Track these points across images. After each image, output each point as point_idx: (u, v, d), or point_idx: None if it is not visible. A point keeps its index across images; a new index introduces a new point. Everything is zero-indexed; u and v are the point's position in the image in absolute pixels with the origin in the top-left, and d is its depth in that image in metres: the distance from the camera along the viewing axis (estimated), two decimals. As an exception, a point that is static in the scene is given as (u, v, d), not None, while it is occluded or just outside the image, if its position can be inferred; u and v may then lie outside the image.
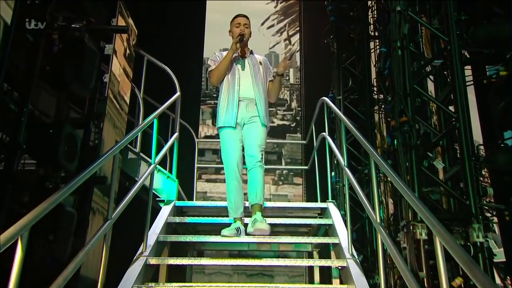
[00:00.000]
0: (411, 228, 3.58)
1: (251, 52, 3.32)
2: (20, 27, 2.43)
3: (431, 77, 4.91)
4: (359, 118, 6.19)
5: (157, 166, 4.10)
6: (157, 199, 3.97)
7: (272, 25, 9.18)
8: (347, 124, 3.29)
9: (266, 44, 9.18)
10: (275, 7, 8.92)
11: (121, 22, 3.79)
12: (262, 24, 9.15)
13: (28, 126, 2.33)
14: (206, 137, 9.11)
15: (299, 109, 8.99)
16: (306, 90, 8.42)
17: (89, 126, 3.34)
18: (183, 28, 7.31)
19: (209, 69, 3.23)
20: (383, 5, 4.63)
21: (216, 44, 8.64)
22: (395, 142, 3.96)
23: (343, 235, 3.19)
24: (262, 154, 3.15)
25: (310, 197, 6.62)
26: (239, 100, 3.16)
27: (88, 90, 2.86)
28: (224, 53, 3.24)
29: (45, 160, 2.44)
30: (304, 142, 6.05)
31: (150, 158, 3.49)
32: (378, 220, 2.38)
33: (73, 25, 2.51)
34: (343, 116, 3.50)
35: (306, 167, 5.88)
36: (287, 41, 9.06)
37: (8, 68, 2.32)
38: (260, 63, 3.30)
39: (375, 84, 5.82)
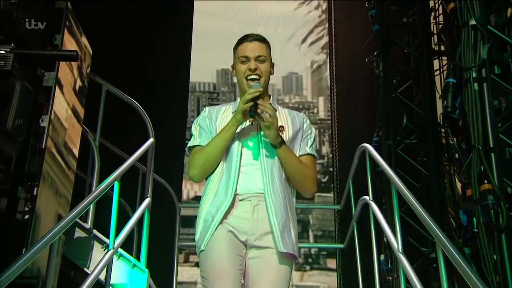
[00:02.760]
0: None
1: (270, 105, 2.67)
2: None
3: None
4: (420, 174, 6.12)
5: (119, 250, 4.07)
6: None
7: (317, 39, 9.09)
8: (398, 186, 3.27)
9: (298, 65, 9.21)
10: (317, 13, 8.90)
11: (69, 42, 3.85)
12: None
13: None
14: (194, 198, 9.05)
15: (332, 155, 8.94)
16: (340, 129, 8.40)
17: (16, 194, 3.31)
18: (161, 42, 7.47)
19: (189, 145, 2.75)
20: (449, 15, 4.68)
21: (210, 62, 8.77)
22: (474, 221, 3.87)
23: None
24: None
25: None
26: (236, 198, 2.59)
27: (17, 144, 2.87)
28: (222, 115, 2.77)
29: None
30: (337, 207, 6.01)
31: (108, 238, 3.47)
32: None
33: (-3, 51, 2.55)
34: (392, 174, 3.49)
35: (341, 246, 5.81)
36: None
37: None
38: (282, 128, 2.69)
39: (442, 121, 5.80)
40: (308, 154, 2.73)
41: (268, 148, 2.65)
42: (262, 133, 2.66)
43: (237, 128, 2.61)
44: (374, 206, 4.10)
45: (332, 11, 8.83)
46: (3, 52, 2.66)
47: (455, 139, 4.72)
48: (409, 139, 6.33)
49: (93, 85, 4.92)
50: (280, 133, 2.61)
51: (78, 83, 4.50)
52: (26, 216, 3.54)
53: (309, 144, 2.76)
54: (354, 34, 7.62)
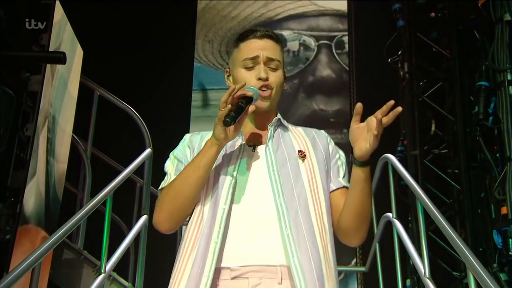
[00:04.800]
0: None
1: (279, 124, 2.17)
2: None
3: None
4: (451, 188, 6.08)
5: (111, 274, 4.07)
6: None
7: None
8: (424, 202, 3.25)
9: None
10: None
11: (55, 44, 3.88)
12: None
13: None
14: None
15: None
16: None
17: (-3, 211, 3.34)
18: (162, 43, 7.51)
19: (162, 187, 2.09)
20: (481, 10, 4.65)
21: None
22: (510, 243, 3.84)
23: None
24: None
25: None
26: (220, 275, 1.90)
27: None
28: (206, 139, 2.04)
29: None
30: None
31: (99, 260, 3.47)
32: None
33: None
34: (418, 188, 3.46)
35: (363, 269, 5.78)
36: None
37: None
38: (301, 153, 2.09)
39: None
40: (345, 187, 2.09)
41: (291, 185, 1.97)
42: (273, 158, 2.02)
43: (219, 149, 1.94)
44: (398, 224, 4.08)
45: (352, 10, 8.85)
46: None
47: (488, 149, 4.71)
48: (439, 148, 6.27)
49: (85, 89, 4.96)
50: (301, 161, 2.04)
51: (67, 87, 4.55)
52: (8, 236, 3.56)
53: (342, 174, 2.13)
54: (376, 31, 7.58)
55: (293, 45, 8.53)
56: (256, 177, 1.99)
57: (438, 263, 5.70)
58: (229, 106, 1.87)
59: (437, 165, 6.16)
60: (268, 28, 2.16)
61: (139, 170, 4.38)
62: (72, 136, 4.72)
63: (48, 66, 4.00)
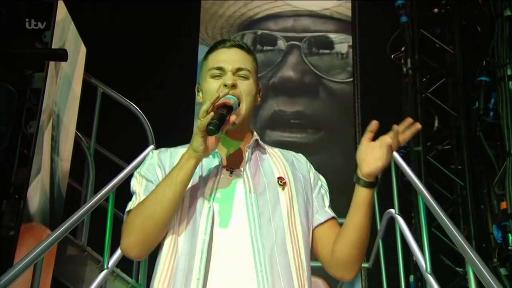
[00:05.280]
0: None
1: (256, 145, 1.98)
2: None
3: None
4: (455, 184, 6.08)
5: (115, 270, 4.09)
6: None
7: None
8: (426, 197, 3.28)
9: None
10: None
11: (59, 42, 3.90)
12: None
13: None
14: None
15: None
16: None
17: (1, 208, 3.36)
18: (165, 41, 7.52)
19: (129, 209, 1.83)
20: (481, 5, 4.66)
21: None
22: (510, 238, 3.86)
23: None
24: None
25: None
26: None
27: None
28: (177, 159, 1.82)
29: None
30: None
31: (103, 256, 3.49)
32: None
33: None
34: (419, 184, 3.50)
35: (366, 265, 5.79)
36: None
37: None
38: (281, 181, 1.89)
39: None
40: (333, 218, 1.92)
41: (269, 215, 1.80)
42: (251, 184, 1.83)
43: (197, 163, 1.75)
44: (400, 220, 4.11)
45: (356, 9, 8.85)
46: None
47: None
48: (442, 145, 6.26)
49: (88, 87, 4.98)
50: (281, 189, 1.86)
51: (71, 85, 4.57)
52: (12, 232, 3.59)
53: (327, 203, 1.96)
54: (378, 28, 7.57)
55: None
56: (233, 204, 1.80)
57: (442, 259, 5.70)
58: (211, 114, 1.68)
59: (441, 161, 6.15)
60: (238, 39, 2.06)
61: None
62: (76, 133, 4.73)
63: (52, 64, 4.03)
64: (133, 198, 1.84)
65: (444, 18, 6.68)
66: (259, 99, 1.97)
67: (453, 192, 6.16)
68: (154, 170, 1.87)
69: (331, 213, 1.92)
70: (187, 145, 1.81)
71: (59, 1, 4.03)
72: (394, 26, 6.81)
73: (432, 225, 5.12)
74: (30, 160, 3.76)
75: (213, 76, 1.89)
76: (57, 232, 2.66)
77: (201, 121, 1.68)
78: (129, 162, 4.12)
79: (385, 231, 4.68)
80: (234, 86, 1.85)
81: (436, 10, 6.68)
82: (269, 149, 2.00)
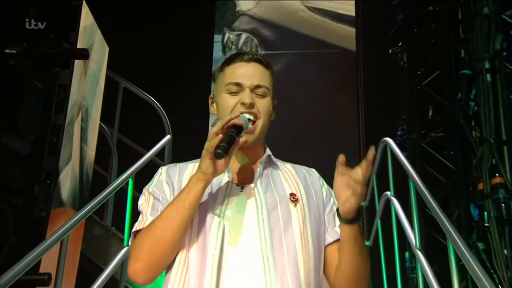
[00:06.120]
0: None
1: (269, 161, 1.83)
2: None
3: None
4: (447, 169, 6.10)
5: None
6: (136, 299, 4.03)
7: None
8: (414, 180, 3.32)
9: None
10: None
11: (78, 41, 3.97)
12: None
13: None
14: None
15: (359, 149, 8.93)
16: (367, 124, 8.40)
17: (33, 192, 3.43)
18: (182, 37, 7.57)
19: (136, 229, 1.69)
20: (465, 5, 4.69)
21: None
22: (485, 216, 3.91)
23: None
24: None
25: (377, 288, 6.51)
26: None
27: (28, 142, 3.00)
28: (186, 176, 1.74)
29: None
30: (363, 203, 6.01)
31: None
32: None
33: (7, 51, 2.66)
34: (410, 168, 3.54)
35: (367, 243, 5.84)
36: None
37: None
38: (293, 197, 1.73)
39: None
40: (335, 242, 1.74)
41: (279, 234, 1.63)
42: (262, 200, 1.67)
43: (205, 185, 1.60)
44: (395, 202, 4.13)
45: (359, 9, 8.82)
46: (14, 51, 2.78)
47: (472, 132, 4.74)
48: (436, 132, 6.27)
49: (111, 82, 5.07)
50: (293, 206, 1.69)
51: (98, 82, 4.66)
52: (43, 213, 3.68)
53: (338, 222, 1.71)
54: (384, 27, 7.56)
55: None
56: (243, 221, 1.63)
57: (434, 236, 5.73)
58: (220, 135, 1.55)
59: (434, 148, 6.17)
60: (257, 52, 1.86)
61: (160, 154, 4.50)
62: (100, 124, 4.82)
63: (81, 64, 4.13)
64: (140, 217, 1.70)
65: (438, 15, 6.68)
66: (274, 115, 1.81)
67: (446, 176, 6.18)
68: (162, 187, 1.72)
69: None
70: (197, 160, 1.67)
71: (83, 9, 4.11)
72: (393, 22, 6.85)
73: (427, 206, 5.14)
74: (58, 148, 3.84)
75: (230, 92, 1.72)
76: (80, 214, 2.73)
77: (209, 142, 1.56)
78: (148, 150, 4.19)
79: (383, 212, 4.71)
80: (252, 105, 1.69)
81: (431, 7, 6.69)
82: (281, 164, 1.85)
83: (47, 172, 3.76)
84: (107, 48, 4.91)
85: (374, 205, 4.99)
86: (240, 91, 1.71)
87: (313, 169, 1.89)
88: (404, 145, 5.93)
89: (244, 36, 8.45)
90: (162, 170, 1.78)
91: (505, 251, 3.68)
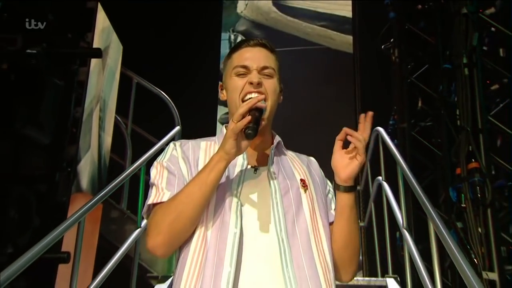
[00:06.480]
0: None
1: (277, 148, 1.76)
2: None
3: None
4: (435, 155, 6.10)
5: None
6: (148, 274, 4.07)
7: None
8: (401, 165, 3.35)
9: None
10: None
11: (97, 41, 4.01)
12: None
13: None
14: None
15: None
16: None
17: (55, 179, 3.48)
18: (190, 33, 7.59)
19: (151, 202, 1.59)
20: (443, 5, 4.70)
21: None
22: (462, 197, 3.95)
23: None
24: None
25: (372, 267, 6.55)
26: None
27: (48, 135, 3.05)
28: (205, 151, 1.70)
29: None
30: (358, 187, 6.05)
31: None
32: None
33: (28, 51, 2.70)
34: (398, 155, 3.57)
35: (362, 224, 5.88)
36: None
37: None
38: (303, 183, 1.69)
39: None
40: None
41: (292, 216, 1.59)
42: (276, 184, 1.61)
43: (227, 164, 1.53)
44: (386, 185, 4.16)
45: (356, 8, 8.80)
46: (34, 51, 2.81)
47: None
48: (425, 121, 6.28)
49: (125, 77, 5.13)
50: (303, 191, 1.65)
51: (114, 77, 4.73)
52: (64, 198, 3.73)
53: (333, 206, 1.74)
54: (379, 25, 7.55)
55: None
56: (258, 202, 1.58)
57: (423, 218, 5.75)
58: (248, 117, 1.48)
59: (423, 136, 6.18)
60: (262, 38, 1.76)
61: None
62: (116, 117, 4.88)
63: (99, 61, 4.19)
64: (154, 190, 1.60)
65: (427, 13, 6.67)
66: (281, 97, 1.75)
67: (434, 162, 6.19)
68: (178, 162, 1.63)
69: None
70: (207, 138, 1.72)
71: (100, 12, 4.15)
72: (386, 21, 6.85)
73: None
74: (77, 138, 3.89)
75: (238, 74, 1.67)
76: (96, 198, 2.77)
77: (235, 124, 1.48)
78: (159, 140, 4.22)
79: (376, 195, 4.75)
80: (259, 84, 1.63)
81: (420, 6, 6.68)
82: (289, 153, 1.80)
83: (68, 161, 3.81)
84: (122, 47, 4.97)
85: (368, 189, 5.02)
86: (248, 73, 1.66)
87: (312, 158, 1.86)
88: (396, 133, 5.94)
89: (239, 37, 8.46)
90: (176, 146, 1.69)
91: (479, 229, 3.72)
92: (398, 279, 3.98)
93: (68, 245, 3.09)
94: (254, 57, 1.69)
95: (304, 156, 1.84)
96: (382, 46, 6.72)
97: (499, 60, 4.77)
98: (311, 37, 8.56)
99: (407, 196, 3.74)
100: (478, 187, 3.83)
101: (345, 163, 1.57)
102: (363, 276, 5.78)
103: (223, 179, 1.56)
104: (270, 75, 1.68)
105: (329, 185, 1.79)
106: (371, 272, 5.56)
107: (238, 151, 1.51)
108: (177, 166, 1.63)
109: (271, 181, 1.61)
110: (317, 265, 1.54)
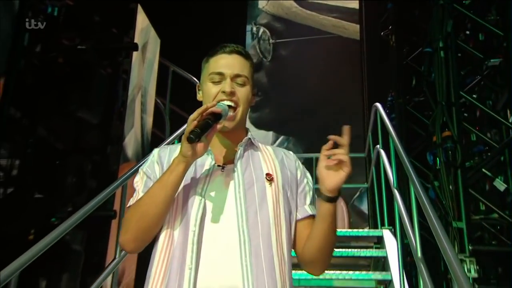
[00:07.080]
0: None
1: (249, 144, 1.63)
2: (26, 52, 2.80)
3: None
4: (427, 126, 6.05)
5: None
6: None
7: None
8: (391, 135, 3.41)
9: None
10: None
11: (137, 39, 4.14)
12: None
13: (34, 157, 2.67)
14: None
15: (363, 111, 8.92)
16: (370, 93, 8.38)
17: (106, 151, 3.64)
18: (219, 29, 7.65)
19: (129, 204, 1.53)
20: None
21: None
22: (438, 161, 4.01)
23: (397, 270, 3.28)
24: None
25: (373, 220, 6.63)
26: None
27: (98, 114, 3.19)
28: (174, 156, 1.51)
29: (51, 193, 2.77)
30: (363, 155, 6.10)
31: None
32: (419, 255, 2.46)
33: (79, 47, 2.83)
34: (390, 127, 3.63)
35: (366, 185, 5.93)
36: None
37: (15, 96, 2.69)
38: (269, 177, 1.54)
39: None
40: (311, 216, 1.57)
41: (254, 211, 1.47)
42: (240, 179, 1.50)
43: (186, 167, 1.43)
44: (382, 152, 4.22)
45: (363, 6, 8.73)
46: (84, 47, 2.95)
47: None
48: (419, 97, 6.25)
49: (163, 66, 5.28)
50: (268, 184, 1.52)
51: (153, 67, 4.89)
52: (114, 167, 3.91)
53: (308, 200, 1.60)
54: (379, 14, 7.49)
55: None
56: (222, 198, 1.47)
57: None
58: (195, 122, 1.38)
59: (417, 109, 6.15)
60: (238, 45, 1.65)
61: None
62: (156, 99, 5.04)
63: (140, 54, 4.34)
64: (134, 194, 1.55)
65: (421, 2, 6.57)
66: (254, 101, 1.63)
67: (426, 132, 6.16)
68: (154, 167, 1.56)
69: (310, 211, 1.57)
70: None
71: (140, 14, 4.27)
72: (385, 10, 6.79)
73: (412, 156, 5.20)
74: (123, 118, 4.05)
75: (213, 82, 1.55)
76: (136, 167, 2.87)
77: (189, 126, 1.39)
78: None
79: (376, 160, 4.80)
80: (232, 93, 1.53)
81: (414, -4, 6.58)
82: (262, 147, 1.64)
83: (117, 136, 3.98)
84: (159, 41, 5.09)
85: (370, 155, 5.08)
86: (222, 80, 1.55)
87: (290, 152, 1.69)
88: (393, 108, 5.96)
89: (261, 29, 8.51)
90: (155, 152, 1.62)
91: (450, 187, 3.80)
92: (393, 230, 4.04)
93: (117, 206, 3.26)
94: (229, 64, 1.57)
95: (281, 150, 1.67)
96: (382, 33, 6.67)
97: (478, 43, 4.79)
98: (327, 28, 8.63)
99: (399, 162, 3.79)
100: (450, 152, 3.90)
101: (331, 174, 1.43)
102: (369, 229, 5.87)
103: (190, 180, 1.49)
104: (243, 83, 1.56)
105: (308, 178, 1.64)
106: (374, 225, 5.63)
107: (195, 154, 1.42)
108: (153, 170, 1.56)
109: (236, 177, 1.50)
110: (274, 257, 1.43)
